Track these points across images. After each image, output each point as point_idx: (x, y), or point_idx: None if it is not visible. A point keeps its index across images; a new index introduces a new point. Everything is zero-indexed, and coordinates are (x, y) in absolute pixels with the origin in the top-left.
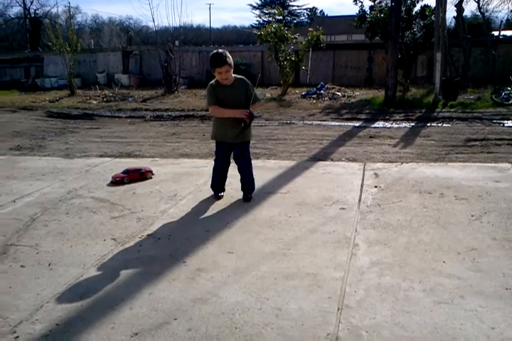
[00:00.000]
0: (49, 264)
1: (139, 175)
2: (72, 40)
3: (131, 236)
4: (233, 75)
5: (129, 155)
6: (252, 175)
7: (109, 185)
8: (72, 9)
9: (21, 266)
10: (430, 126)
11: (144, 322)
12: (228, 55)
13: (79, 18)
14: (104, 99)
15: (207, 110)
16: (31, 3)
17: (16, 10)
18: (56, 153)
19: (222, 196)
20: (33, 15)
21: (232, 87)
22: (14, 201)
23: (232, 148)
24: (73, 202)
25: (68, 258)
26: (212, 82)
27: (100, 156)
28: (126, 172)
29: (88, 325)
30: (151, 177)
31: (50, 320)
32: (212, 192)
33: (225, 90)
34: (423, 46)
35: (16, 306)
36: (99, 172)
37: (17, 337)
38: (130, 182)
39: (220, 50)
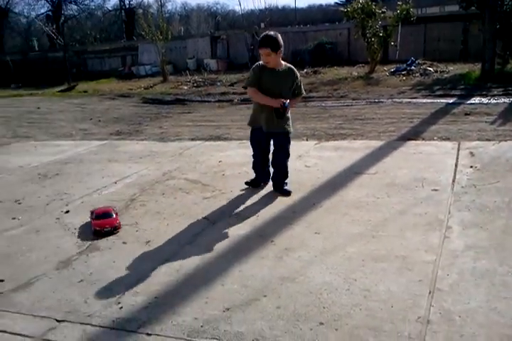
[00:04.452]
0: (147, 241)
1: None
2: (163, 28)
3: (222, 215)
4: (283, 62)
5: (218, 138)
6: (286, 170)
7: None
8: None
9: (123, 243)
10: None
11: (235, 298)
12: (278, 38)
13: (169, 6)
14: (194, 85)
15: None
16: None
17: (113, 2)
18: (152, 137)
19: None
20: (127, 6)
21: (280, 74)
22: (116, 182)
23: (270, 138)
24: (168, 184)
25: (164, 236)
26: (260, 62)
27: (192, 140)
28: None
29: (184, 298)
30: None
31: (149, 293)
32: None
33: (271, 74)
34: None
35: (119, 279)
36: (192, 154)
37: (121, 307)
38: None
39: (271, 32)
